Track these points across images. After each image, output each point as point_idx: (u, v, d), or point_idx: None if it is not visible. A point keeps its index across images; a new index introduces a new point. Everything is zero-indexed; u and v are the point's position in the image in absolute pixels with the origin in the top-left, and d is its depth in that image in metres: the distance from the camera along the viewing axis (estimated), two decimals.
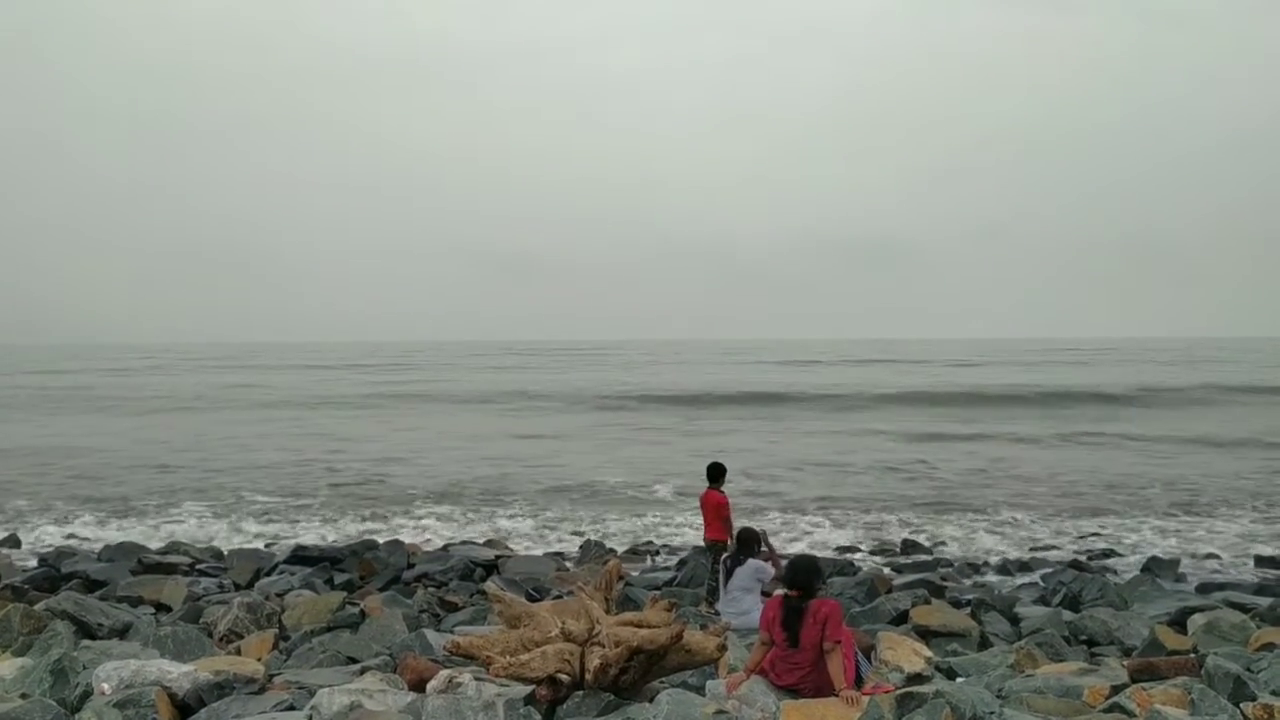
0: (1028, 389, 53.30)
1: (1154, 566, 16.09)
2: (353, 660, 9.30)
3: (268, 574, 15.23)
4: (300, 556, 16.05)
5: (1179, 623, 10.90)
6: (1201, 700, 6.57)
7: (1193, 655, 8.57)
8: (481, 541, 18.69)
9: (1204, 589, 14.13)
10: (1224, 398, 50.18)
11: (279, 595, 13.00)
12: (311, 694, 7.10)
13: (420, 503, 23.43)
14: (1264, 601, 12.18)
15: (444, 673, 7.41)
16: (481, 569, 15.41)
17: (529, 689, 6.74)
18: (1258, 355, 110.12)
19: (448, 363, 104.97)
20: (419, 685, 7.54)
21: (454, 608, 12.55)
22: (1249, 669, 7.69)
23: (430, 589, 14.01)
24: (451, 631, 10.19)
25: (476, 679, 7.28)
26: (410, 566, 15.55)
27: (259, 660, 9.15)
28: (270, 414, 44.79)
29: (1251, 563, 16.30)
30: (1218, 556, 17.27)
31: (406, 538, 18.94)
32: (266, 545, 18.26)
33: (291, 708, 7.12)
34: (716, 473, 12.66)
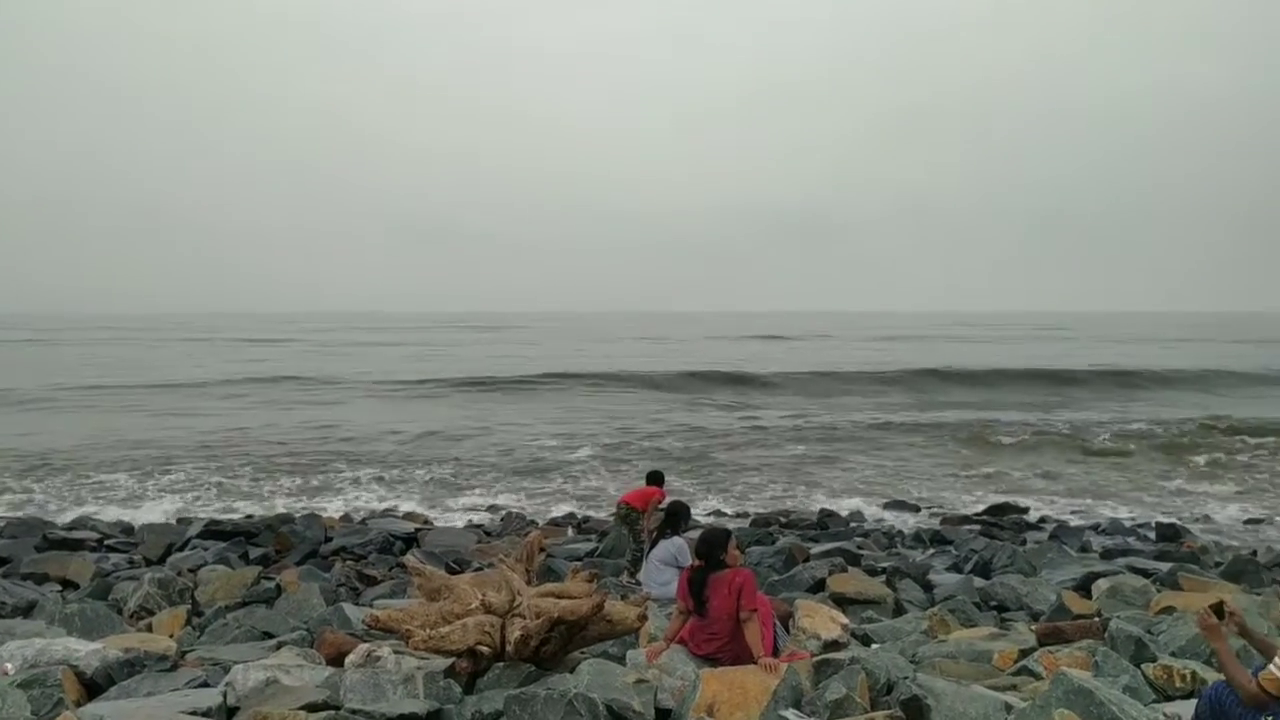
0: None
1: (1061, 534, 16.59)
2: (268, 635, 9.19)
3: (180, 549, 14.93)
4: (214, 531, 15.73)
5: (1084, 588, 11.25)
6: (1105, 662, 6.81)
7: (1097, 619, 8.87)
8: (401, 514, 18.57)
9: (1108, 555, 14.59)
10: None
11: (192, 571, 12.74)
12: (226, 670, 7.00)
13: (339, 475, 23.13)
14: (1164, 567, 12.63)
15: (363, 647, 7.34)
16: (401, 542, 15.31)
17: (449, 661, 6.71)
18: (1121, 332, 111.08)
19: (370, 334, 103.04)
20: (337, 660, 7.47)
21: (373, 581, 12.44)
22: (1149, 631, 7.98)
23: (349, 562, 13.88)
24: (370, 605, 10.11)
25: (396, 652, 7.22)
26: (328, 540, 15.37)
27: (171, 637, 8.99)
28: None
29: (1153, 534, 16.86)
30: (1122, 524, 17.85)
31: (325, 511, 18.71)
32: (179, 520, 17.85)
33: (205, 685, 7.01)
34: (656, 479, 13.08)
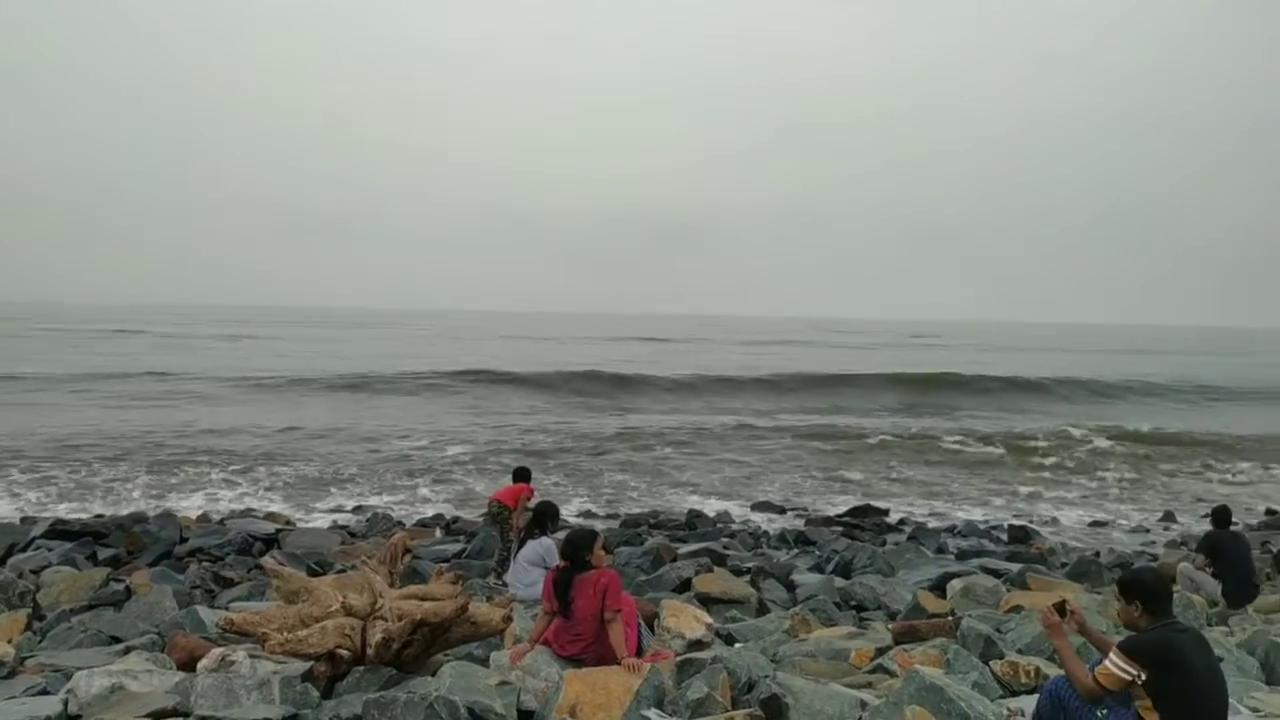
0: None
1: (919, 536, 17.13)
2: (116, 640, 8.82)
3: (22, 550, 14.16)
4: (60, 531, 14.99)
5: (940, 588, 11.64)
6: (956, 659, 7.06)
7: (950, 618, 9.19)
8: (262, 514, 18.03)
9: (963, 556, 15.13)
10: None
11: (34, 572, 12.11)
12: (68, 677, 6.69)
13: (198, 473, 22.33)
14: (1014, 567, 13.16)
15: (216, 651, 7.11)
16: (261, 543, 14.88)
17: (307, 665, 6.55)
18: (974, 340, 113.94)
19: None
20: (189, 664, 7.22)
21: (230, 583, 12.07)
22: (999, 630, 8.32)
23: (205, 564, 13.42)
24: (226, 608, 9.81)
25: (252, 656, 7.01)
26: (183, 541, 14.82)
27: (9, 642, 8.52)
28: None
29: (1005, 536, 17.55)
30: (976, 526, 18.53)
31: (182, 510, 18.05)
32: (22, 520, 16.95)
33: (45, 692, 6.70)
34: (522, 475, 12.95)
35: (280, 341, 78.06)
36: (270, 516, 17.80)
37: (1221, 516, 11.55)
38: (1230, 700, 5.38)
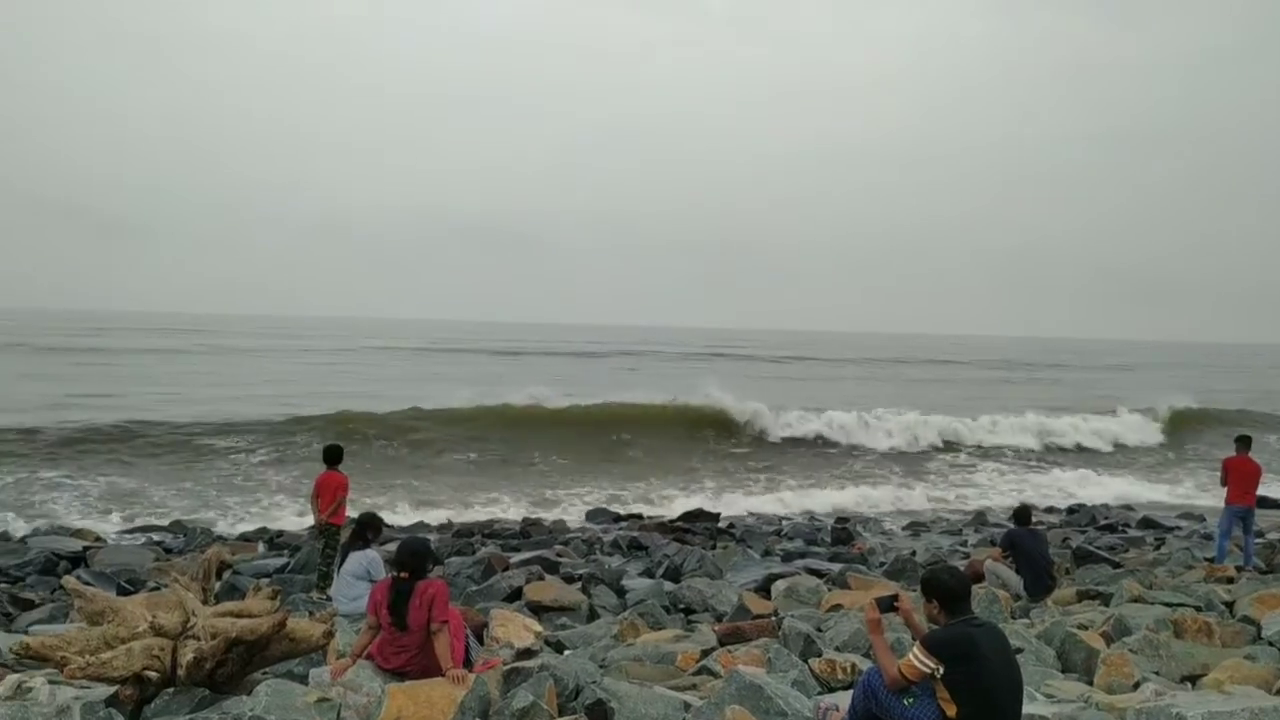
0: None
1: (748, 538, 17.55)
2: None
3: None
4: None
5: (765, 589, 11.95)
6: (777, 659, 7.26)
7: (773, 618, 9.45)
8: (70, 531, 16.98)
9: (788, 557, 15.56)
10: None
11: None
12: None
13: None
14: (836, 568, 13.63)
15: (12, 677, 6.68)
16: (67, 561, 14.03)
17: (112, 690, 6.23)
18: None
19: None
20: None
21: (29, 605, 11.36)
22: (819, 629, 8.61)
23: (1, 585, 12.56)
24: (25, 632, 9.22)
25: (51, 682, 6.63)
26: None
27: None
28: None
29: (829, 536, 18.14)
30: (802, 528, 19.10)
31: None
32: None
33: None
34: (334, 454, 12.30)
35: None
36: (79, 533, 16.78)
37: (1021, 515, 12.27)
38: (1028, 688, 5.72)
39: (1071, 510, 22.65)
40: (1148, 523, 20.58)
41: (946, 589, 5.27)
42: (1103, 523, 20.50)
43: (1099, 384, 66.10)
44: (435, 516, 19.88)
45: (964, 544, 17.88)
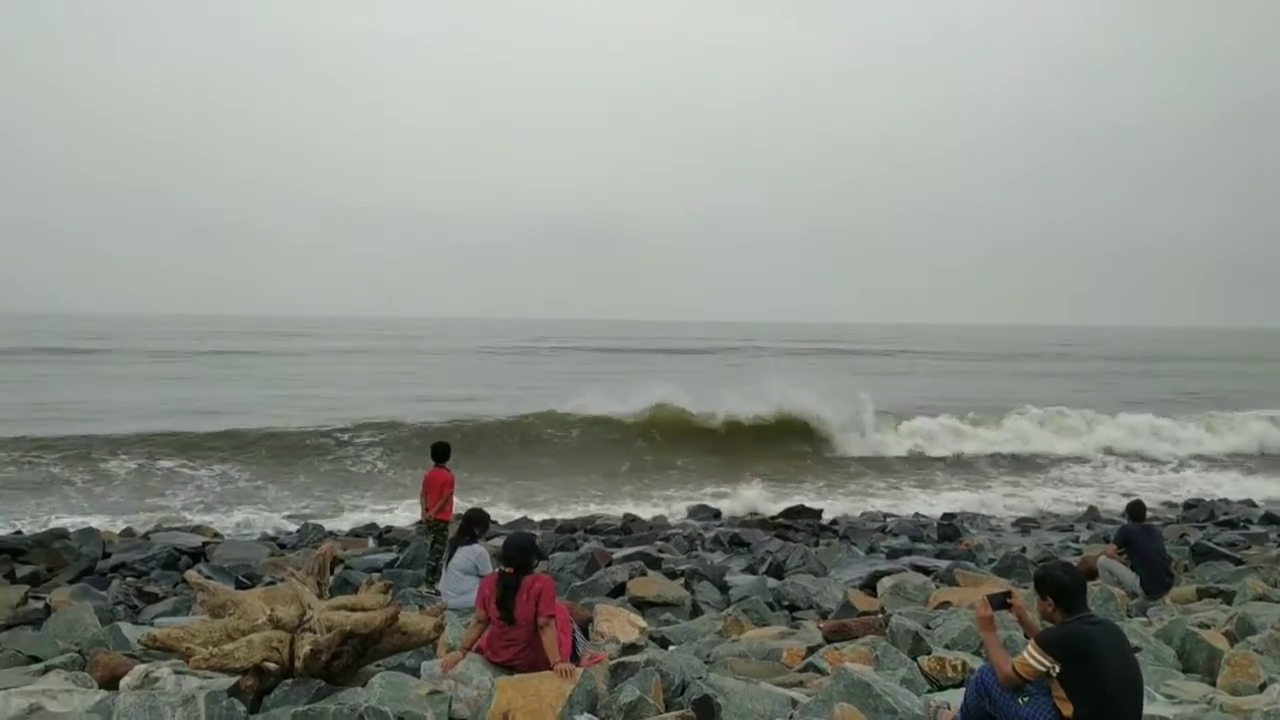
0: None
1: (851, 535, 17.36)
2: (35, 659, 8.58)
3: None
4: None
5: (870, 586, 11.79)
6: (885, 656, 7.16)
7: (880, 616, 9.33)
8: (189, 527, 17.67)
9: (894, 554, 15.34)
10: None
11: None
12: None
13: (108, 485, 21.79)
14: (943, 565, 13.40)
15: (140, 668, 6.99)
16: (187, 556, 14.58)
17: (234, 680, 6.45)
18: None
19: None
20: (111, 683, 7.08)
21: (154, 598, 11.81)
22: (927, 626, 8.46)
23: (128, 579, 13.13)
24: (151, 624, 9.62)
25: (176, 673, 6.90)
26: (106, 556, 14.49)
27: None
28: None
29: (935, 533, 17.82)
30: (907, 524, 18.80)
31: (102, 524, 17.60)
32: None
33: None
34: (441, 452, 12.55)
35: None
36: (198, 529, 17.47)
37: (1136, 510, 11.88)
38: (1147, 689, 5.54)
39: (1189, 505, 21.85)
40: (1270, 519, 19.73)
41: (1061, 586, 5.13)
42: (1222, 518, 19.75)
43: (1218, 376, 63.86)
44: (538, 513, 20.12)
45: (1076, 540, 17.43)
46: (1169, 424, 32.50)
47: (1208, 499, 22.51)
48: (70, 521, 18.03)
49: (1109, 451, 29.84)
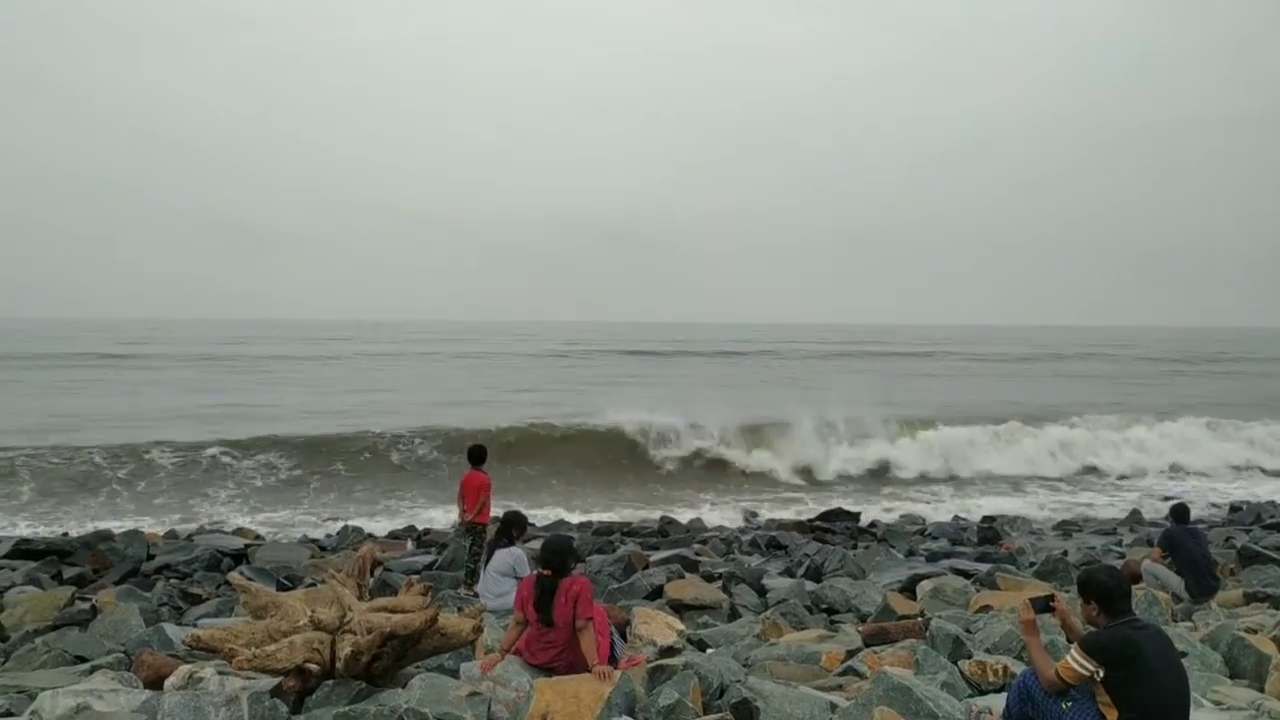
0: None
1: (890, 538, 17.22)
2: (82, 659, 8.71)
3: None
4: (23, 550, 14.82)
5: (909, 589, 11.70)
6: (925, 660, 7.11)
7: (919, 619, 9.25)
8: (231, 529, 17.88)
9: (933, 558, 15.20)
10: None
11: None
12: (32, 697, 6.61)
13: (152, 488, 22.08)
14: (984, 568, 13.24)
15: (184, 668, 7.06)
16: (229, 558, 14.74)
17: (276, 681, 6.51)
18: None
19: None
20: (156, 683, 7.16)
21: (197, 600, 11.95)
22: (968, 630, 8.38)
23: (172, 581, 13.29)
24: (194, 625, 9.72)
25: (220, 673, 6.97)
26: (150, 558, 14.67)
27: None
28: None
29: (975, 536, 17.65)
30: (946, 527, 18.65)
31: (146, 526, 17.86)
32: None
33: (9, 714, 6.62)
34: (478, 455, 12.59)
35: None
36: (239, 531, 17.67)
37: (1180, 513, 11.70)
38: (1194, 695, 5.46)
39: (1234, 508, 21.51)
40: None
41: (1105, 589, 5.07)
42: (1269, 521, 19.41)
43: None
44: (575, 515, 20.18)
45: (1119, 544, 17.19)
46: (1206, 433, 32.02)
47: (1254, 501, 22.15)
48: (115, 524, 18.31)
49: (1164, 460, 29.53)
